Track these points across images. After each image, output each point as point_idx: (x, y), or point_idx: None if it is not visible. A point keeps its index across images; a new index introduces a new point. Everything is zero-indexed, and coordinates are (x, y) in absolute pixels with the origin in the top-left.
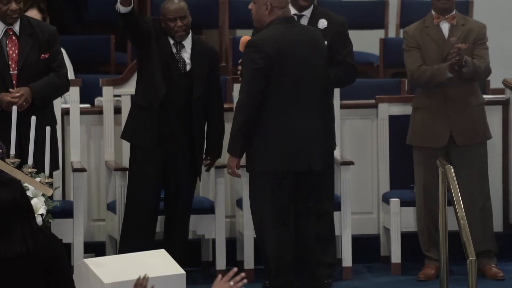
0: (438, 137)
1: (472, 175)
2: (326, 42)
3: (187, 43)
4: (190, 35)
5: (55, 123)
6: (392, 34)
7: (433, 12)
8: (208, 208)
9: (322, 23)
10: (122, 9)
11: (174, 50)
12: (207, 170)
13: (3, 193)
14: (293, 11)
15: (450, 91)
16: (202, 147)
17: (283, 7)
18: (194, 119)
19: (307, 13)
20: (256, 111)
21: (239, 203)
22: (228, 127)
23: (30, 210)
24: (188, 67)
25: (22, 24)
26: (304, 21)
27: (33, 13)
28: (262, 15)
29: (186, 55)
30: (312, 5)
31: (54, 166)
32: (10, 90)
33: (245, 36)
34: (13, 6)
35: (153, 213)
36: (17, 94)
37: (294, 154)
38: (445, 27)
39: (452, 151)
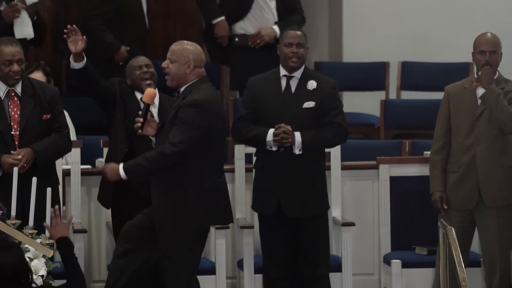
0: (467, 199)
1: (497, 238)
2: (314, 103)
3: (156, 98)
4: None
5: (57, 183)
6: (393, 95)
7: (475, 74)
8: (209, 269)
9: (312, 84)
10: (75, 65)
11: (142, 106)
12: None
13: (3, 258)
14: (283, 72)
15: (481, 149)
16: None
17: (201, 67)
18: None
19: (297, 74)
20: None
21: (240, 264)
22: (230, 187)
23: (28, 276)
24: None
25: (24, 85)
26: (294, 82)
27: (38, 75)
28: (183, 74)
29: (154, 109)
30: (303, 67)
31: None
32: (12, 152)
33: (150, 89)
34: (15, 67)
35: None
36: (19, 157)
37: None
38: (479, 92)
39: (478, 211)
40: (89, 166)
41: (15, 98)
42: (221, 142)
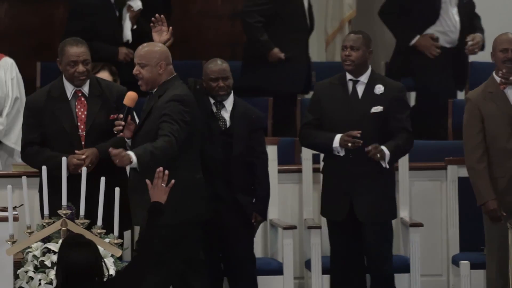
0: None
1: None
2: (382, 108)
3: (228, 103)
4: (231, 95)
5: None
6: (461, 95)
7: (494, 76)
8: (276, 269)
9: (379, 89)
10: None
11: (215, 109)
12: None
13: (78, 255)
14: (349, 76)
15: None
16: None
17: (171, 64)
18: (233, 177)
19: (364, 78)
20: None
21: (307, 264)
22: (297, 188)
23: (103, 274)
24: (227, 125)
25: (91, 86)
26: (361, 87)
27: (105, 75)
28: (156, 75)
29: (226, 114)
30: (369, 71)
31: (126, 225)
32: (76, 151)
33: (131, 92)
34: (80, 68)
35: (216, 274)
36: (83, 156)
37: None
38: (509, 93)
39: None
40: None
41: (82, 98)
42: (198, 139)
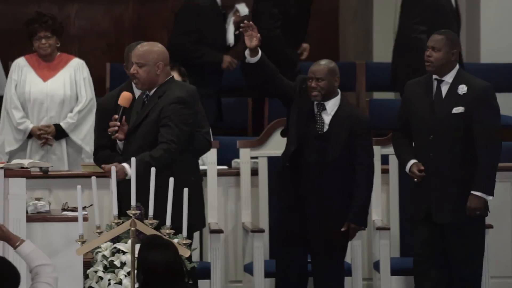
0: None
1: None
2: (463, 109)
3: (330, 105)
4: (337, 98)
5: (201, 179)
6: None
7: None
8: (346, 270)
9: (462, 89)
10: (250, 59)
11: (315, 110)
12: (350, 239)
13: (158, 255)
14: (435, 75)
15: None
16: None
17: (168, 64)
18: (325, 183)
19: (448, 78)
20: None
21: (376, 265)
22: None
23: (182, 276)
24: (325, 129)
25: (158, 88)
26: (445, 87)
27: (174, 76)
28: (154, 76)
29: (327, 117)
30: (455, 70)
31: (201, 224)
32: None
33: (126, 92)
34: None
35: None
36: None
37: None
38: None
39: None
40: (225, 167)
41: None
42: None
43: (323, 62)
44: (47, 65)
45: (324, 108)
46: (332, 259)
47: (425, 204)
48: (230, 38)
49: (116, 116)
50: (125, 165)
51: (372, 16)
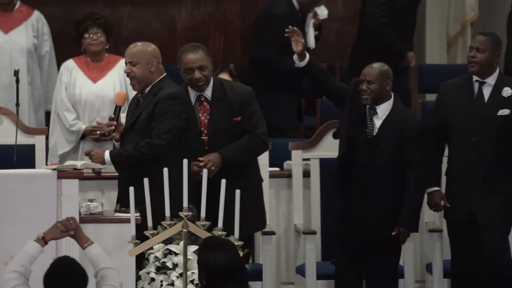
0: None
1: None
2: (510, 111)
3: (381, 109)
4: (390, 101)
5: (261, 180)
6: None
7: None
8: (398, 272)
9: (507, 92)
10: (299, 64)
11: (367, 114)
12: (401, 243)
13: (219, 255)
14: (475, 77)
15: None
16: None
17: (161, 62)
18: (374, 187)
19: (491, 80)
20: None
21: (428, 267)
22: None
23: (244, 274)
24: (375, 132)
25: (214, 89)
26: (487, 89)
27: (224, 77)
28: (148, 73)
29: (378, 121)
30: (496, 73)
31: (261, 224)
32: (199, 158)
33: (121, 91)
34: (196, 74)
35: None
36: (201, 164)
37: None
38: None
39: None
40: (277, 169)
41: (205, 103)
42: (190, 138)
43: (376, 64)
44: (96, 66)
45: (375, 112)
46: (384, 265)
47: (467, 207)
48: (311, 41)
49: (113, 116)
50: (106, 152)
51: (425, 18)
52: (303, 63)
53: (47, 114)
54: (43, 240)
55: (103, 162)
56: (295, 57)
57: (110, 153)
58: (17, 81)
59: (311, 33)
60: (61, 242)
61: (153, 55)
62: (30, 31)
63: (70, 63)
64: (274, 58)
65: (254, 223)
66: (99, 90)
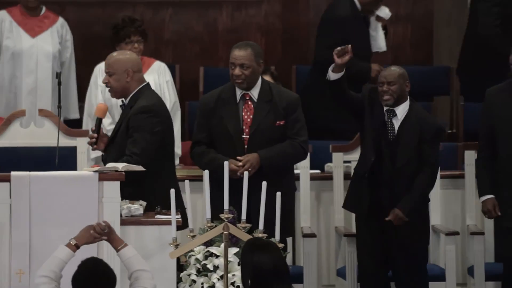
0: None
1: None
2: None
3: (399, 110)
4: (406, 103)
5: (294, 189)
6: None
7: None
8: (439, 275)
9: None
10: (332, 75)
11: (386, 117)
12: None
13: (263, 256)
14: None
15: None
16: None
17: (140, 71)
18: (397, 188)
19: None
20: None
21: (470, 270)
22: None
23: (288, 275)
24: (396, 134)
25: (262, 90)
26: None
27: (266, 79)
28: (124, 83)
29: (397, 122)
30: None
31: (288, 232)
32: (237, 157)
33: (102, 103)
34: (236, 71)
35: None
36: (240, 163)
37: None
38: None
39: None
40: (318, 171)
41: (249, 102)
42: (171, 149)
43: (394, 67)
44: None
45: (394, 114)
46: (414, 267)
47: None
48: (382, 44)
49: (93, 128)
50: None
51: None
52: (337, 76)
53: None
54: (75, 246)
55: None
56: (330, 69)
57: None
58: (59, 84)
59: (381, 35)
60: (103, 242)
61: (128, 64)
62: (56, 37)
63: (103, 66)
64: None
65: (283, 229)
66: None
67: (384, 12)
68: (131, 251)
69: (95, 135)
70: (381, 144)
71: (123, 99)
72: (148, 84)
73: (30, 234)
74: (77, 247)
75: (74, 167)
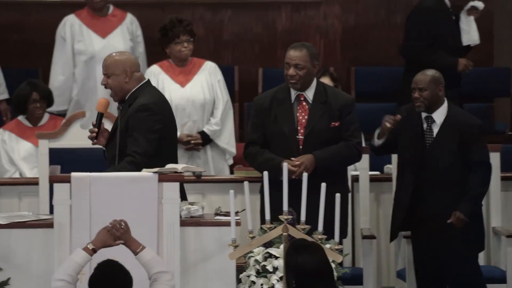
0: None
1: None
2: None
3: (437, 115)
4: (443, 106)
5: (348, 191)
6: None
7: None
8: (500, 278)
9: None
10: (377, 142)
11: (425, 125)
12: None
13: (308, 257)
14: None
15: None
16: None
17: (138, 71)
18: (439, 190)
19: None
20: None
21: None
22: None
23: (332, 276)
24: (434, 139)
25: (316, 92)
26: None
27: (325, 81)
28: (123, 83)
29: (436, 127)
30: None
31: (343, 233)
32: (292, 158)
33: (103, 98)
34: (290, 71)
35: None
36: (297, 163)
37: None
38: None
39: None
40: (377, 172)
41: (304, 103)
42: (174, 145)
43: (428, 71)
44: (181, 70)
45: (433, 121)
46: (467, 269)
47: None
48: (475, 37)
49: (94, 123)
50: None
51: None
52: (380, 141)
53: None
54: (92, 250)
55: None
56: (376, 135)
57: None
58: None
59: (474, 28)
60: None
61: (126, 64)
62: (126, 34)
63: (155, 69)
64: (427, 51)
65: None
66: (188, 94)
67: (479, 3)
68: (150, 253)
69: (96, 129)
70: (416, 151)
71: None
72: (148, 81)
73: (90, 235)
74: (94, 251)
75: None
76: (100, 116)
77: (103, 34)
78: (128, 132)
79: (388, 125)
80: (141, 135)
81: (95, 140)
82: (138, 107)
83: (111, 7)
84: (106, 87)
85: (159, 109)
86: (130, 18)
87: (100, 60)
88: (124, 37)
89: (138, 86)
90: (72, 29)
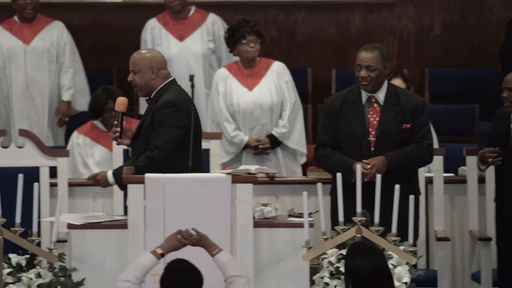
0: None
1: None
2: None
3: None
4: None
5: (419, 193)
6: None
7: None
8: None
9: None
10: (483, 168)
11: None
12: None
13: (365, 260)
14: None
15: None
16: None
17: (165, 68)
18: None
19: None
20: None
21: None
22: None
23: (391, 280)
24: None
25: (388, 93)
26: None
27: (397, 82)
28: (149, 80)
29: None
30: None
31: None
32: (363, 161)
33: (122, 97)
34: (362, 73)
35: None
36: (368, 166)
37: None
38: None
39: None
40: (452, 174)
41: (375, 105)
42: (199, 142)
43: None
44: (249, 72)
45: None
46: None
47: None
48: None
49: (116, 122)
50: (108, 173)
51: None
52: (485, 166)
53: None
54: (161, 255)
55: (107, 184)
56: (477, 163)
57: (113, 173)
58: (192, 86)
59: None
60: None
61: (153, 61)
62: (205, 36)
63: (223, 72)
64: None
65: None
66: (256, 97)
67: None
68: (226, 256)
69: (118, 129)
70: (508, 150)
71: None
72: (174, 79)
73: (164, 236)
74: (162, 255)
75: (207, 169)
76: (121, 115)
77: (181, 38)
78: (153, 127)
79: (490, 160)
80: (166, 129)
81: (119, 140)
82: (164, 103)
83: (193, 9)
84: (132, 84)
85: (184, 106)
86: (211, 18)
87: (177, 64)
88: (202, 39)
89: (164, 83)
90: (152, 32)
